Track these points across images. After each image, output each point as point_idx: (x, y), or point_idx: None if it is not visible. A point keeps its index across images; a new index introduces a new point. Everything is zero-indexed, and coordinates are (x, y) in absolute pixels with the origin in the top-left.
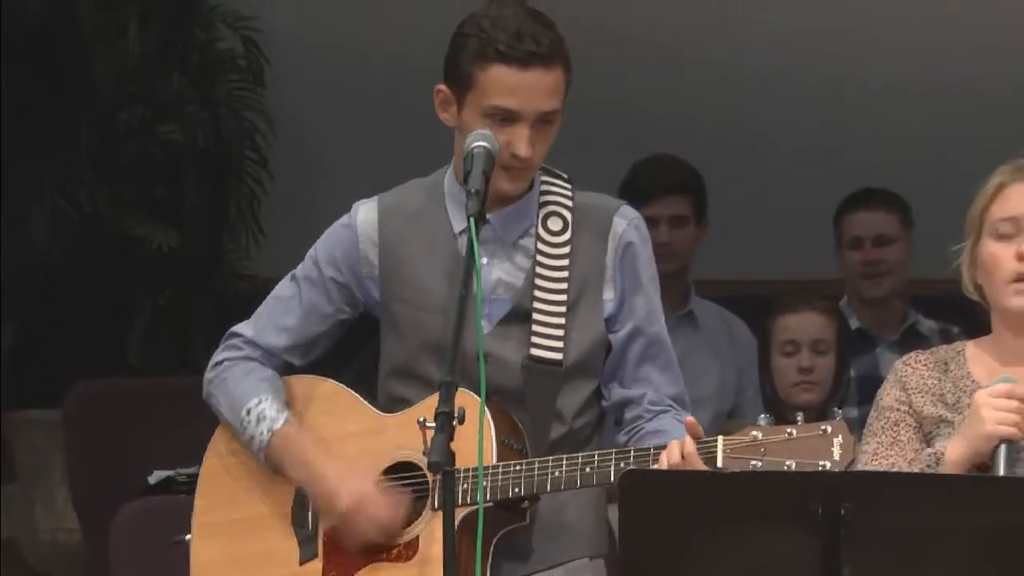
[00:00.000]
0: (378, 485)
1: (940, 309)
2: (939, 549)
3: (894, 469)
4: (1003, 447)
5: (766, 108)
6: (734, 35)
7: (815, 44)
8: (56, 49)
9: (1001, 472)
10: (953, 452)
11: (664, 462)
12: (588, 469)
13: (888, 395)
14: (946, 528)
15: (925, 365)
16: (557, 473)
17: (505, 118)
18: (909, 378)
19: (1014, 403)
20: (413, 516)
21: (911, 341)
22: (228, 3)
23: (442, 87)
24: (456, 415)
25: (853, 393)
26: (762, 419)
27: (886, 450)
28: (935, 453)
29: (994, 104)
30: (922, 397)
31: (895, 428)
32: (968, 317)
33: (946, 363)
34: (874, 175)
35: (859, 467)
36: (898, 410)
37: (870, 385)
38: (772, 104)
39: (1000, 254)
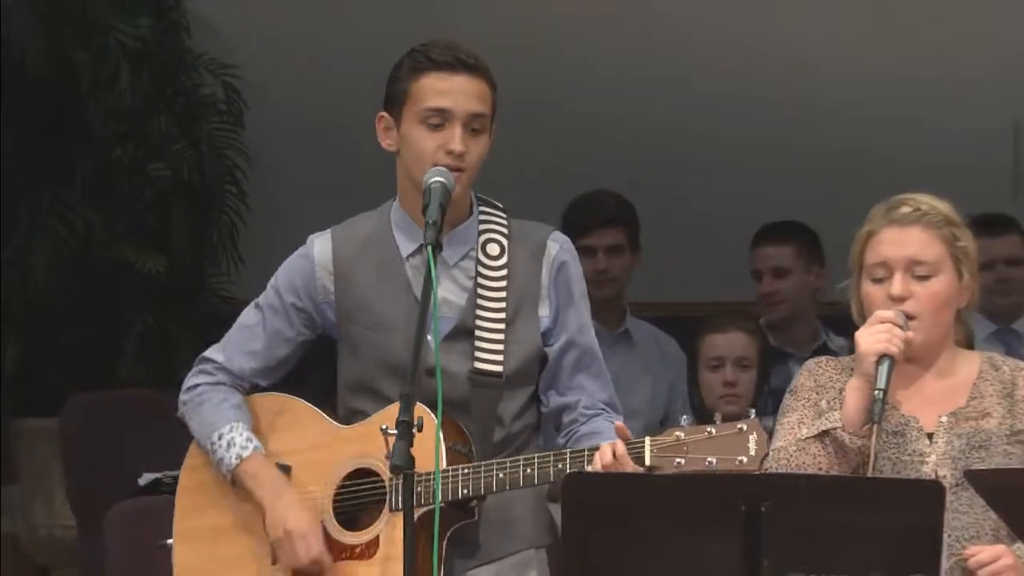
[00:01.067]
0: (317, 527)
1: (853, 328)
2: (852, 544)
3: (820, 430)
4: (885, 362)
5: (695, 148)
6: (671, 88)
7: (750, 95)
8: (56, 94)
9: (882, 385)
10: (849, 383)
11: (598, 463)
12: (529, 470)
13: (802, 385)
14: (858, 525)
15: (833, 368)
16: (501, 475)
17: (439, 123)
18: (820, 376)
19: (884, 325)
20: (372, 519)
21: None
22: (211, 52)
23: (383, 114)
24: (415, 424)
25: (768, 404)
26: (684, 420)
27: (811, 415)
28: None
29: (908, 143)
30: (827, 393)
31: (815, 406)
32: None
33: (851, 370)
34: (792, 207)
35: (779, 442)
36: (815, 392)
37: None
38: (702, 144)
39: (876, 295)
